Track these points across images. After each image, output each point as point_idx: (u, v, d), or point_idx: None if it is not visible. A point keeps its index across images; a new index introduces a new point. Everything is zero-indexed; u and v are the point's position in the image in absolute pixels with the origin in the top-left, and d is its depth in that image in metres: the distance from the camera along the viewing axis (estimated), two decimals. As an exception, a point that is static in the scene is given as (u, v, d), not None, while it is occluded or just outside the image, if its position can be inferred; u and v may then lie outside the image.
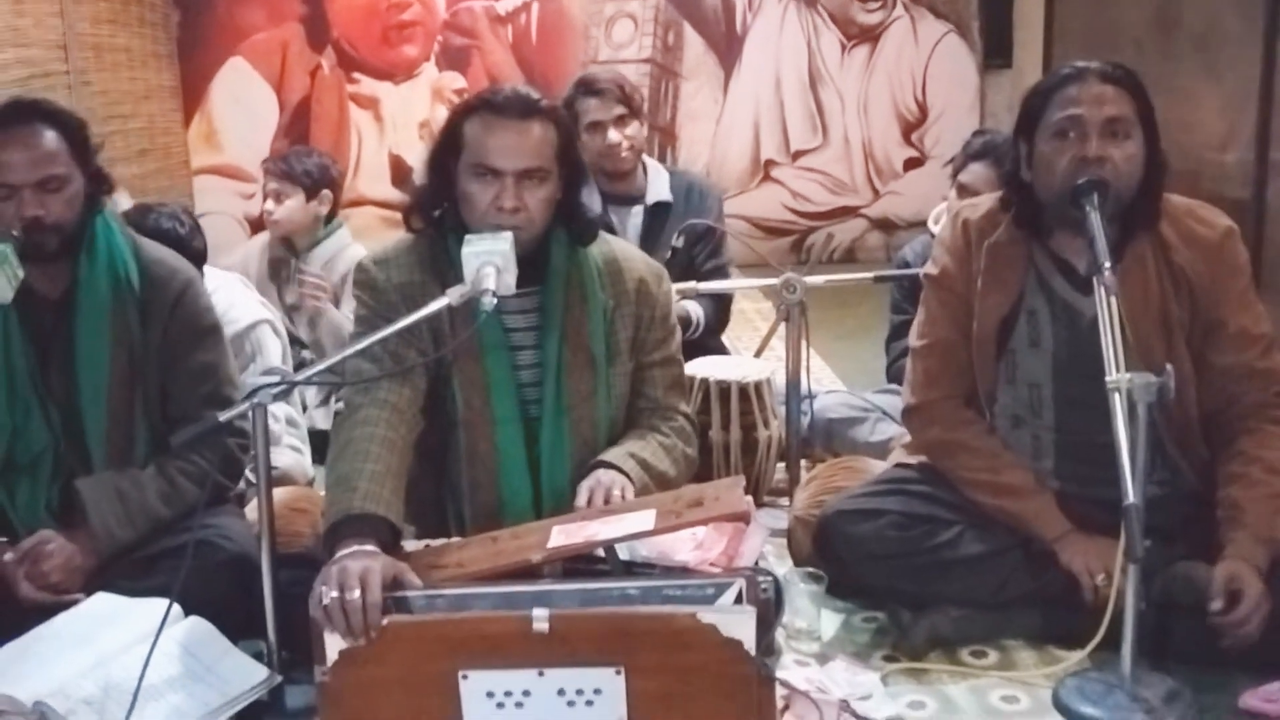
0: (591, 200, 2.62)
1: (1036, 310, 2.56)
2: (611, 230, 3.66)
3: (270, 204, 4.24)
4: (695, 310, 3.74)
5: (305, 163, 4.29)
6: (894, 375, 3.61)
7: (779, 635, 2.46)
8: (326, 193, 4.30)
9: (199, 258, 3.28)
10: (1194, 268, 2.46)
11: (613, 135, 3.69)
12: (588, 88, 3.73)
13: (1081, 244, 2.42)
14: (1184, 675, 2.31)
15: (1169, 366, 2.13)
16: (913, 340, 2.72)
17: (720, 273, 3.82)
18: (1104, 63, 2.48)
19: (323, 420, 3.83)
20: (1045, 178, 2.47)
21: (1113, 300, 2.19)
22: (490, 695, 1.97)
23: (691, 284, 3.46)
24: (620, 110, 3.70)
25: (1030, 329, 2.56)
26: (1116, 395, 2.11)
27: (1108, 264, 2.22)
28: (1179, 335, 2.47)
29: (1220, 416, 2.51)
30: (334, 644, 1.97)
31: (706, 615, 1.94)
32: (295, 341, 4.20)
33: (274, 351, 3.48)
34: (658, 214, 3.80)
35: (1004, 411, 2.62)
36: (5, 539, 2.48)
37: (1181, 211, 2.52)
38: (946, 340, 2.63)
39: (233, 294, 3.49)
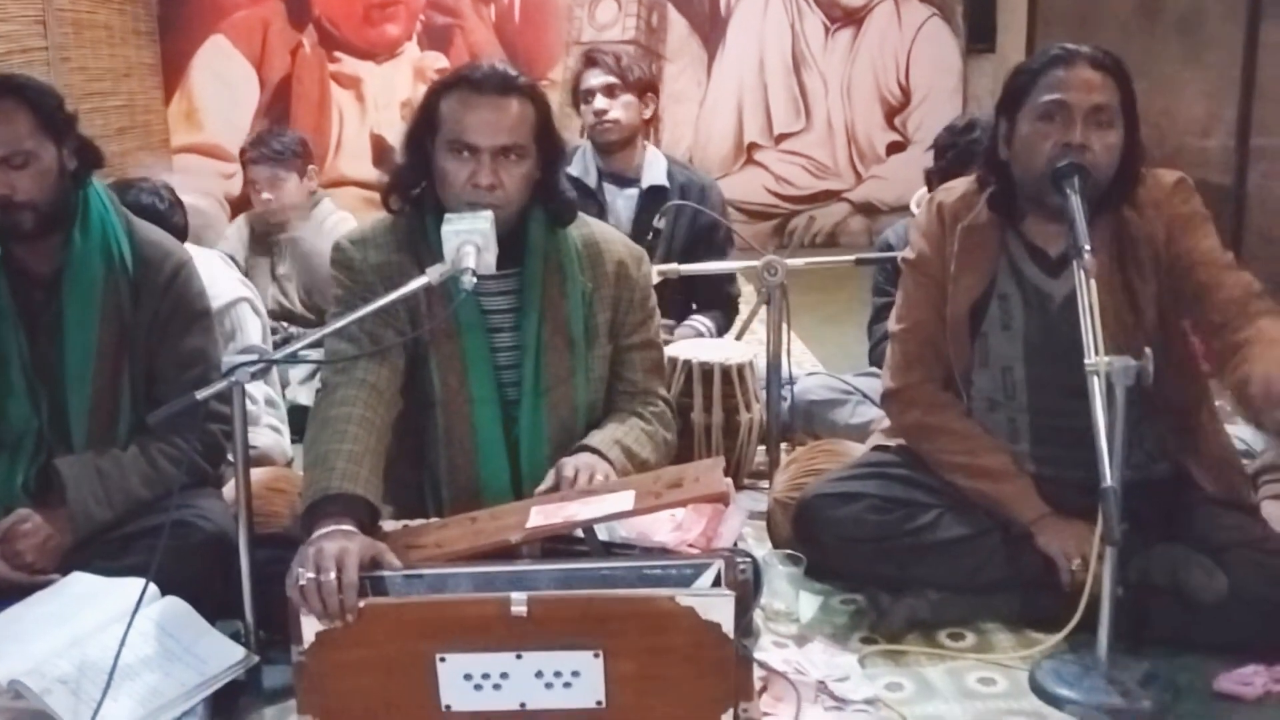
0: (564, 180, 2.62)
1: (1008, 294, 2.57)
2: (602, 208, 3.67)
3: (266, 193, 4.22)
4: (705, 327, 3.79)
5: (286, 143, 4.28)
6: (876, 358, 3.61)
7: (757, 617, 2.46)
8: (313, 167, 4.33)
9: (179, 233, 3.27)
10: (1150, 231, 2.47)
11: (600, 102, 3.70)
12: (589, 58, 3.78)
13: (1053, 229, 2.47)
14: (1159, 658, 2.32)
15: (1148, 350, 2.13)
16: (891, 325, 2.73)
17: (729, 280, 3.87)
18: (1093, 48, 2.48)
19: (305, 397, 3.81)
20: (1025, 158, 2.47)
21: (1092, 284, 2.19)
22: (468, 678, 1.97)
23: (673, 265, 3.45)
24: (610, 79, 3.72)
25: (1002, 312, 2.58)
26: (1095, 378, 2.12)
27: (1087, 247, 2.22)
28: (1148, 314, 2.47)
29: (1216, 339, 2.44)
30: (310, 625, 1.97)
31: (685, 598, 1.94)
32: (285, 316, 4.20)
33: (254, 330, 3.47)
34: (652, 197, 3.79)
35: (979, 395, 2.63)
36: None
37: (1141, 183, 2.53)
38: (924, 323, 2.65)
39: (213, 270, 3.47)
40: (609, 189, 3.80)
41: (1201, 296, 2.43)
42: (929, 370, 2.65)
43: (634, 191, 3.82)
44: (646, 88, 3.82)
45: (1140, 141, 2.48)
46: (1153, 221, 2.48)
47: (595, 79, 3.74)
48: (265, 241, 4.35)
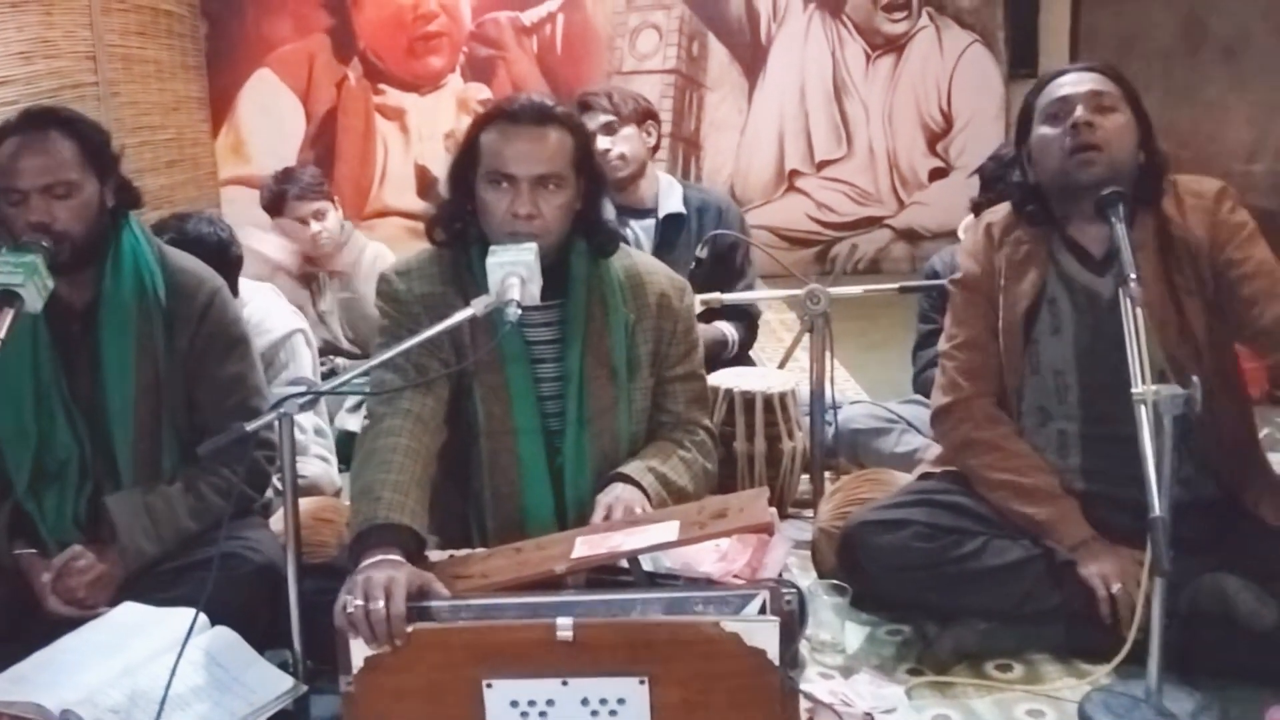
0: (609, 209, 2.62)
1: (1057, 298, 2.59)
2: (628, 242, 3.67)
3: (315, 224, 4.27)
4: (730, 331, 3.75)
5: (314, 175, 4.38)
6: (920, 385, 3.59)
7: (803, 648, 2.45)
8: (336, 198, 4.41)
9: (238, 264, 3.32)
10: (1193, 234, 2.50)
11: (601, 142, 3.66)
12: (582, 104, 3.72)
13: (1095, 230, 2.53)
14: (1210, 689, 2.29)
15: (1195, 379, 2.12)
16: (942, 345, 2.75)
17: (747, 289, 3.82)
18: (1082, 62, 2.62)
19: (354, 424, 3.84)
20: (1043, 160, 2.56)
21: (1139, 311, 2.19)
22: (514, 704, 1.98)
23: (716, 295, 3.45)
24: (606, 118, 3.68)
25: (1052, 316, 2.60)
26: (1143, 407, 2.10)
27: (1134, 275, 2.22)
28: (1189, 304, 2.48)
29: (1275, 351, 2.50)
30: (359, 650, 1.98)
31: (730, 624, 1.94)
32: (330, 351, 4.25)
33: (306, 361, 3.51)
34: (670, 226, 3.77)
35: (1030, 406, 2.63)
36: (34, 550, 2.50)
37: (1180, 183, 2.58)
38: (975, 339, 2.66)
39: (267, 303, 3.53)
40: (626, 222, 3.78)
41: (1258, 303, 2.43)
42: (980, 386, 2.65)
43: (650, 222, 3.78)
44: (645, 116, 3.78)
45: (1155, 136, 2.56)
46: (1194, 220, 2.51)
47: (592, 122, 3.66)
48: (304, 277, 4.39)
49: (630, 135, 3.73)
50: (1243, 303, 2.45)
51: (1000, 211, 2.72)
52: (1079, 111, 2.49)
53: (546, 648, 1.96)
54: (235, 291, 3.17)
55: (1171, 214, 2.52)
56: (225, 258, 3.12)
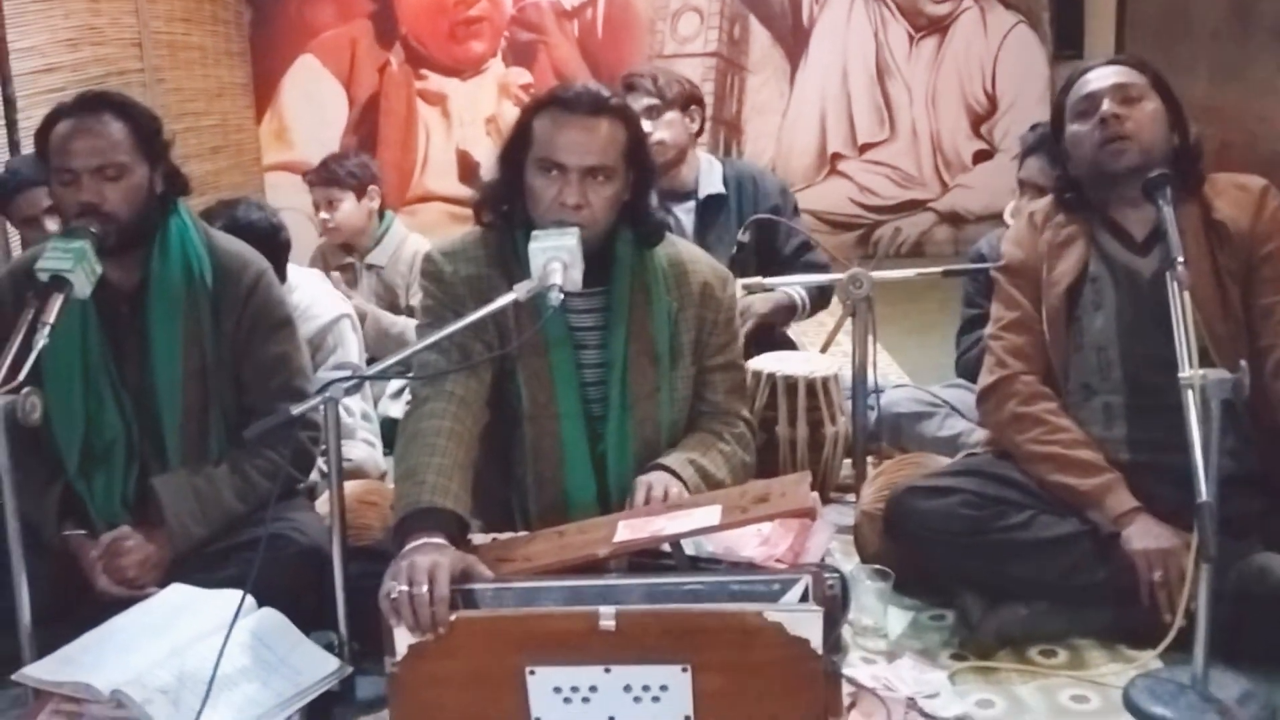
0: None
1: (1099, 276, 2.62)
2: (670, 228, 3.65)
3: (324, 213, 4.28)
4: (798, 293, 3.69)
5: (345, 164, 4.34)
6: (963, 368, 3.57)
7: (845, 632, 2.45)
8: (374, 188, 4.36)
9: (287, 248, 3.35)
10: (1235, 223, 2.56)
11: (644, 126, 3.65)
12: (626, 84, 3.71)
13: (1135, 213, 2.59)
14: (1257, 675, 2.28)
15: (1243, 363, 2.10)
16: (988, 330, 2.77)
17: (806, 248, 3.75)
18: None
19: (397, 410, 3.85)
20: (1077, 154, 2.63)
21: (1186, 296, 2.18)
22: (557, 690, 1.99)
23: (758, 279, 3.43)
24: (650, 101, 3.64)
25: (1094, 294, 2.62)
26: (1190, 392, 2.09)
27: (1181, 259, 2.23)
28: (1231, 287, 2.52)
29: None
30: (403, 638, 2.00)
31: (773, 614, 1.94)
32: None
33: (353, 345, 3.53)
34: (710, 207, 3.75)
35: (1075, 383, 2.63)
36: (84, 532, 2.54)
37: (1222, 179, 2.65)
38: (1021, 320, 2.70)
39: (314, 289, 3.55)
40: (667, 206, 3.76)
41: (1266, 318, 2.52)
42: (1026, 364, 2.67)
43: (691, 204, 3.77)
44: (689, 101, 3.74)
45: (1187, 121, 2.62)
46: (1238, 210, 2.56)
47: (635, 104, 3.65)
48: (343, 270, 4.34)
49: (673, 120, 3.69)
50: (1256, 312, 2.52)
51: (1043, 202, 2.78)
52: (1105, 105, 2.56)
53: (589, 636, 1.97)
54: (283, 276, 3.21)
55: (1214, 201, 2.57)
56: (275, 242, 3.16)
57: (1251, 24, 5.45)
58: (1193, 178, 2.58)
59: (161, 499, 2.50)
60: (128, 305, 2.60)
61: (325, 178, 4.29)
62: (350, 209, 4.29)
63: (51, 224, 3.49)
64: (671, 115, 3.68)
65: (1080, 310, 2.63)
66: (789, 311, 3.68)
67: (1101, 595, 2.50)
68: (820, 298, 3.81)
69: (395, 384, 3.88)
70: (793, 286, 3.68)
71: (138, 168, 2.53)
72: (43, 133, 2.54)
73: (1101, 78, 2.61)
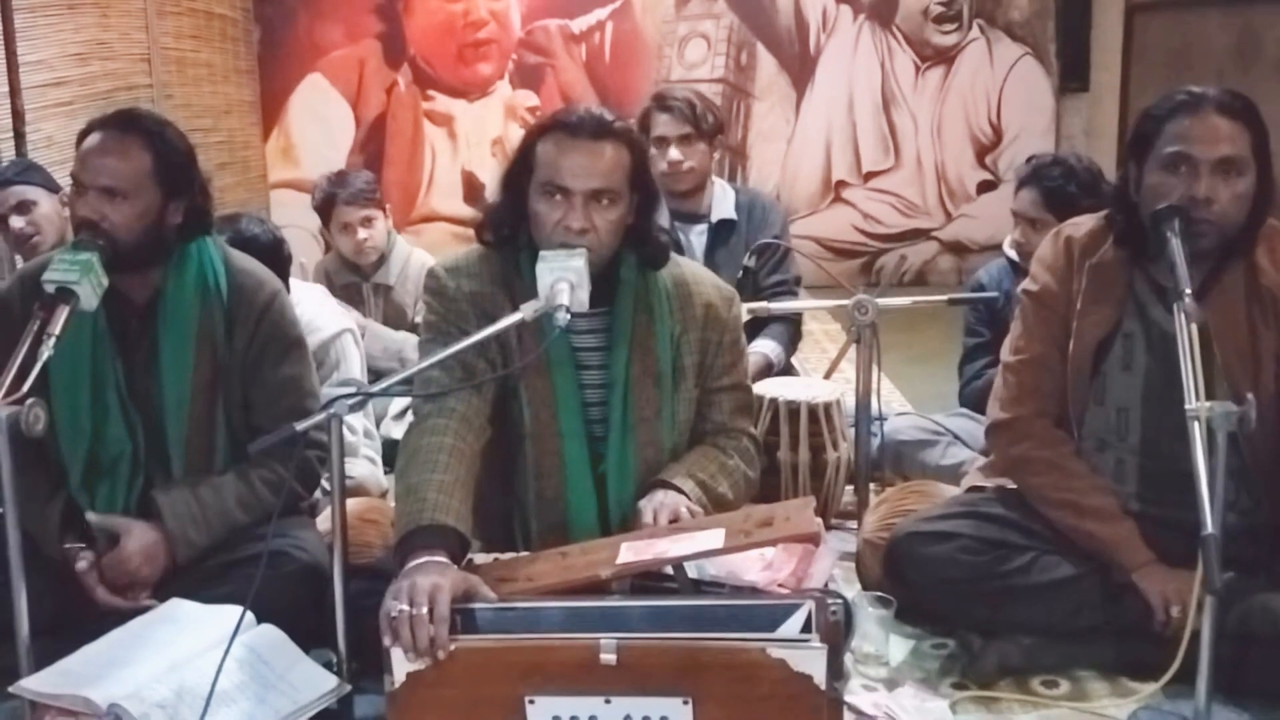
0: (662, 218, 2.63)
1: (1132, 333, 2.54)
2: (680, 248, 3.68)
3: (363, 232, 4.25)
4: (771, 350, 3.75)
5: (369, 181, 4.35)
6: (967, 399, 3.57)
7: (847, 660, 2.44)
8: (388, 206, 4.38)
9: (288, 262, 3.36)
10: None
11: (674, 153, 3.70)
12: (661, 102, 3.77)
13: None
14: (1258, 709, 2.28)
15: (1250, 396, 2.09)
16: (1006, 355, 2.69)
17: (784, 287, 3.81)
18: (1222, 91, 2.44)
19: (398, 432, 3.84)
20: (1152, 206, 2.42)
21: (1193, 327, 2.16)
22: (557, 720, 1.98)
23: (764, 304, 3.45)
24: (686, 129, 3.71)
25: (1124, 352, 2.54)
26: (1195, 423, 2.08)
27: (1188, 289, 2.20)
28: (1267, 362, 2.44)
29: None
30: (401, 666, 1.98)
31: (777, 650, 1.92)
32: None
33: (355, 361, 3.52)
34: (722, 231, 3.81)
35: (1090, 434, 2.59)
36: (83, 545, 2.52)
37: (1272, 233, 2.50)
38: (1042, 357, 2.61)
39: (317, 303, 3.55)
40: (679, 228, 3.80)
41: None
42: (1043, 404, 2.61)
43: (703, 227, 3.83)
44: (717, 133, 3.83)
45: (1272, 181, 2.44)
46: None
47: (671, 128, 3.72)
48: (347, 290, 4.34)
49: (703, 151, 3.77)
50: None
51: (1082, 228, 2.63)
52: (1202, 188, 2.36)
53: (590, 667, 1.95)
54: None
55: (1263, 264, 2.46)
56: (277, 256, 3.17)
57: (1256, 59, 5.47)
58: (1248, 238, 2.46)
59: (161, 509, 2.49)
60: (138, 318, 2.60)
61: (367, 195, 4.26)
62: (382, 227, 4.30)
63: (19, 221, 3.65)
64: (702, 146, 3.74)
65: (1107, 365, 2.55)
66: (765, 370, 3.70)
67: (1104, 633, 2.50)
68: (792, 345, 3.90)
69: (397, 405, 3.88)
70: (766, 343, 3.73)
71: (147, 195, 2.52)
72: (79, 141, 2.55)
73: (1208, 138, 2.37)
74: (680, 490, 2.44)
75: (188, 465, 2.58)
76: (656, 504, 2.40)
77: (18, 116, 4.63)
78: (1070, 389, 2.58)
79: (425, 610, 1.97)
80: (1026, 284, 2.68)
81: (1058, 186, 3.31)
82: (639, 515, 2.40)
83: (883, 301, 3.16)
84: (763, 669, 1.92)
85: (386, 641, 1.97)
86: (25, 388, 2.13)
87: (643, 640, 1.97)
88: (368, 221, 4.26)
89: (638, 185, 2.49)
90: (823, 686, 1.91)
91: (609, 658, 1.93)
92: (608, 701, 1.96)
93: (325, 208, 4.31)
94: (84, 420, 2.53)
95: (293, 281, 3.45)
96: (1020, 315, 2.68)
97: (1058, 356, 2.59)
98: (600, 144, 2.43)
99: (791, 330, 3.87)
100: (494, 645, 2.00)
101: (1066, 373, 2.58)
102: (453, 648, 1.97)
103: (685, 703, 1.95)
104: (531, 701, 1.97)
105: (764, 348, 3.73)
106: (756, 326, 3.66)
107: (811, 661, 1.91)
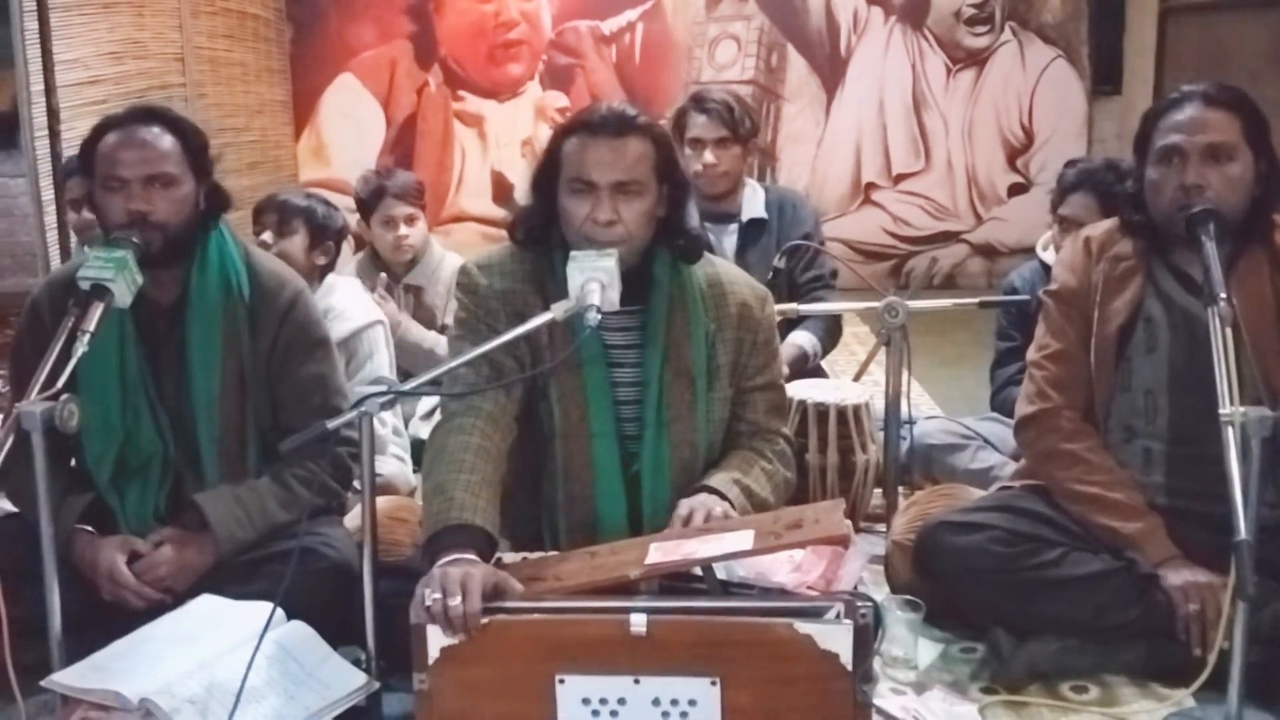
0: (693, 212, 2.63)
1: (1154, 318, 2.55)
2: (711, 248, 3.67)
3: (405, 229, 4.22)
4: (807, 342, 3.73)
5: (419, 183, 4.33)
6: (999, 404, 3.55)
7: (875, 663, 2.43)
8: (425, 206, 4.38)
9: (341, 234, 3.63)
10: None
11: (709, 156, 3.70)
12: (699, 104, 3.76)
13: (1200, 256, 2.42)
14: (1292, 717, 2.25)
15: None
16: (1031, 354, 2.71)
17: (820, 282, 3.78)
18: (1210, 84, 2.52)
19: (426, 432, 3.85)
20: (1153, 201, 2.52)
21: (1228, 331, 2.16)
22: (586, 702, 2.00)
23: (793, 305, 3.44)
24: (723, 133, 3.71)
25: (1147, 335, 2.55)
26: (1230, 429, 2.07)
27: (1223, 294, 2.20)
28: None
29: None
30: (435, 640, 2.00)
31: (803, 626, 1.94)
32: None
33: (384, 355, 3.53)
34: (752, 230, 3.80)
35: (1117, 423, 2.59)
36: (91, 529, 2.50)
37: None
38: (1066, 352, 2.63)
39: (350, 294, 3.57)
40: (710, 228, 3.79)
41: None
42: (1069, 397, 2.62)
43: (734, 226, 3.82)
44: (752, 136, 3.83)
45: (1277, 165, 2.50)
46: None
47: (708, 131, 3.71)
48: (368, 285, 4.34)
49: (738, 154, 3.77)
50: None
51: (1101, 227, 2.69)
52: (1190, 175, 2.43)
53: (620, 643, 1.97)
54: (334, 265, 3.55)
55: None
56: (333, 230, 3.54)
57: (1293, 62, 5.43)
58: (1265, 222, 2.49)
59: (204, 510, 2.49)
60: (165, 320, 2.61)
61: (413, 192, 4.22)
62: (423, 230, 4.28)
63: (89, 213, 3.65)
64: (737, 150, 3.74)
65: (1131, 350, 2.57)
66: (801, 361, 3.68)
67: (1133, 633, 2.48)
68: (830, 339, 3.86)
69: (426, 405, 3.89)
70: (802, 334, 3.70)
71: (186, 180, 2.55)
72: (90, 143, 2.56)
73: (1193, 128, 2.45)
74: (724, 495, 2.43)
75: (220, 465, 2.59)
76: (695, 503, 2.40)
77: (53, 115, 4.68)
78: (1096, 378, 2.59)
79: (458, 600, 1.99)
80: (1049, 286, 2.72)
81: (1114, 189, 3.29)
82: (677, 512, 2.39)
83: (914, 304, 3.15)
84: (789, 645, 1.94)
85: (418, 619, 1.99)
86: (59, 384, 2.15)
87: (672, 616, 1.99)
88: (411, 220, 4.22)
89: (665, 177, 2.49)
90: (849, 666, 1.92)
91: (639, 629, 1.95)
92: (637, 682, 1.98)
93: (373, 199, 4.21)
94: (115, 423, 2.55)
95: (330, 276, 3.52)
96: (1044, 316, 2.71)
97: (1082, 350, 2.61)
98: (623, 138, 2.43)
99: (830, 324, 3.82)
100: (526, 620, 2.02)
101: (1091, 365, 2.59)
102: (485, 621, 1.99)
103: (713, 684, 1.97)
104: (562, 681, 1.99)
105: (800, 339, 3.71)
106: (788, 327, 3.65)
107: (838, 639, 1.93)
